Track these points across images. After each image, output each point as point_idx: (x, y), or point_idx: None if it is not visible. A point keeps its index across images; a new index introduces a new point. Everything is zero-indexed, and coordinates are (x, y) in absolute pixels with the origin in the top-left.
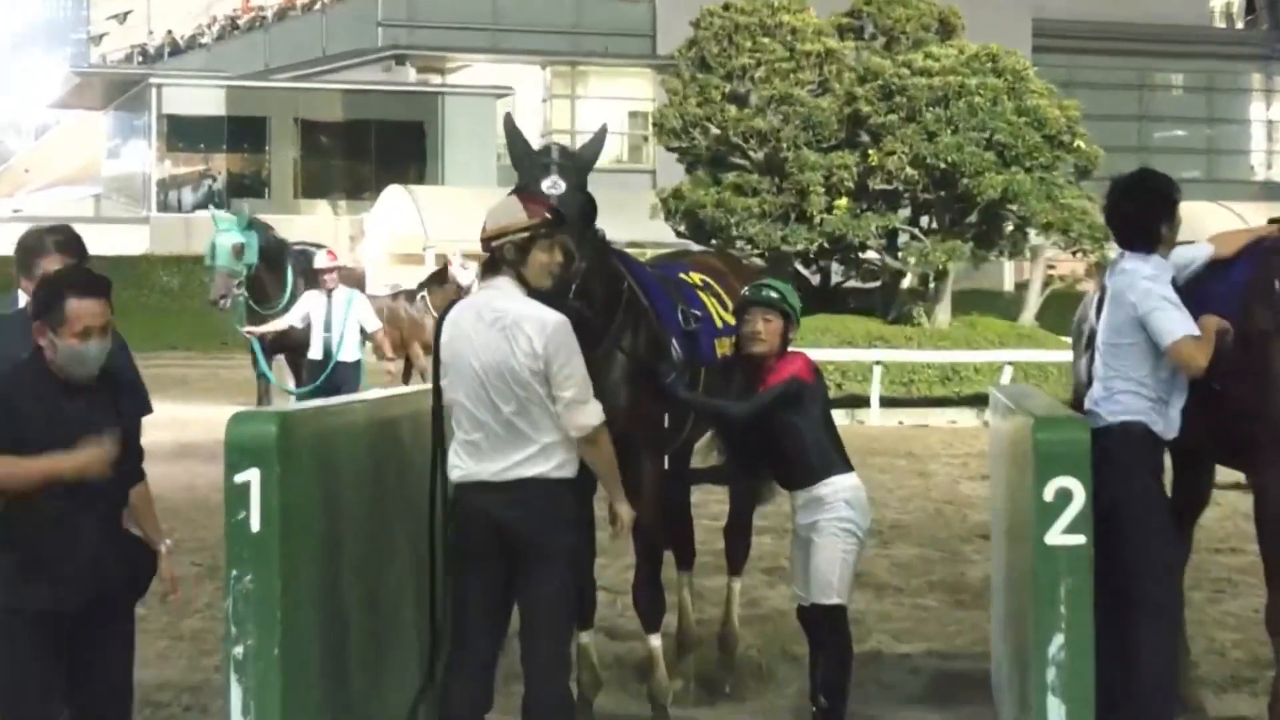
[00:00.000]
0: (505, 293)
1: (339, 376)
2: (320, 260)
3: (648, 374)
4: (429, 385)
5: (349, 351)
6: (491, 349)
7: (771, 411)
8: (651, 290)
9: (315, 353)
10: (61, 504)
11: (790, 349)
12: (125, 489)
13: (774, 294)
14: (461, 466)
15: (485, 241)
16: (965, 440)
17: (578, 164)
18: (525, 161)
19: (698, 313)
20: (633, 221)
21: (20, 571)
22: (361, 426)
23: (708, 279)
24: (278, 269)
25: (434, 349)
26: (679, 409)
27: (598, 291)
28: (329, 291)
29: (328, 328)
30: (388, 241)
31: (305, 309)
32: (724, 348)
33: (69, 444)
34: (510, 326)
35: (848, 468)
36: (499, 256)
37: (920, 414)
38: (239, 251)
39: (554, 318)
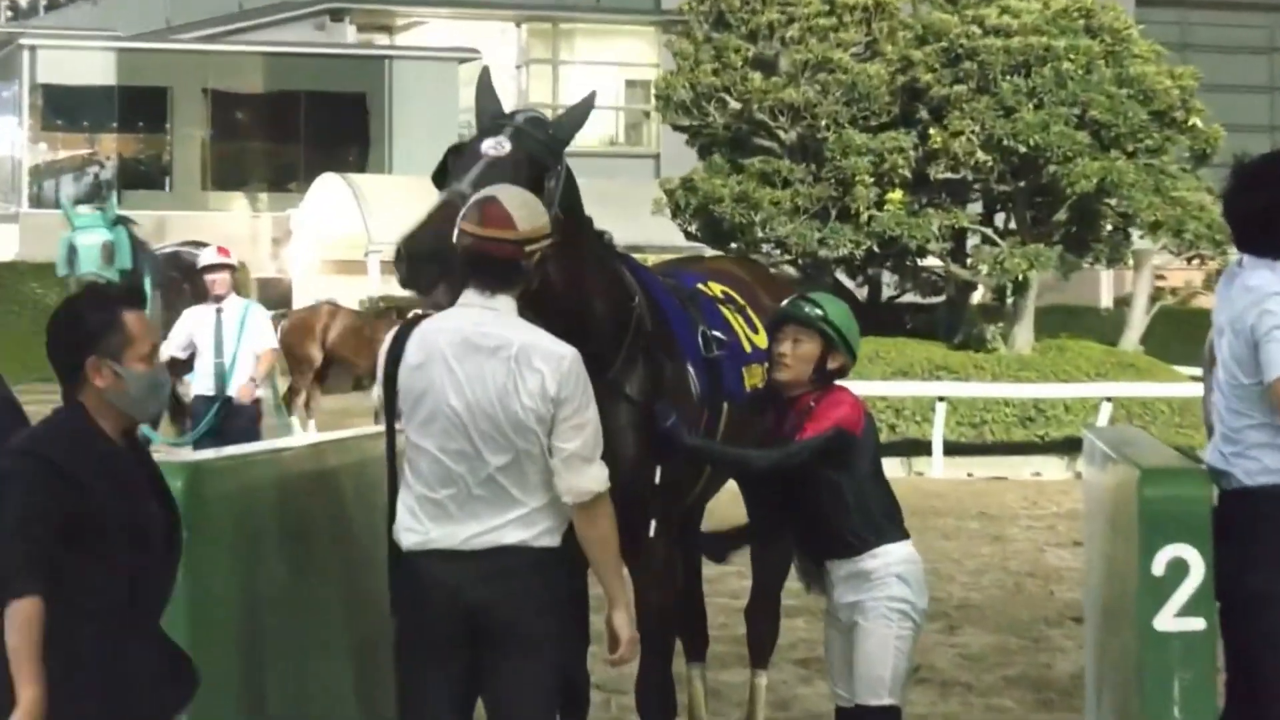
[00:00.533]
0: (505, 315)
1: (237, 417)
2: (207, 257)
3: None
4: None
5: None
6: (486, 385)
7: (804, 467)
8: (664, 305)
9: (203, 385)
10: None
11: (828, 385)
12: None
13: (810, 308)
14: (418, 530)
15: (517, 245)
16: (1052, 497)
17: (547, 132)
18: (483, 122)
19: (720, 335)
20: (630, 219)
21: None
22: (291, 480)
23: (729, 291)
24: (133, 277)
25: (384, 375)
26: (687, 459)
27: (599, 310)
28: (217, 302)
29: (219, 351)
30: (321, 245)
31: (186, 330)
32: (754, 378)
33: (139, 520)
34: (517, 359)
35: (901, 535)
36: (525, 267)
37: (995, 464)
38: (109, 254)
39: (569, 351)
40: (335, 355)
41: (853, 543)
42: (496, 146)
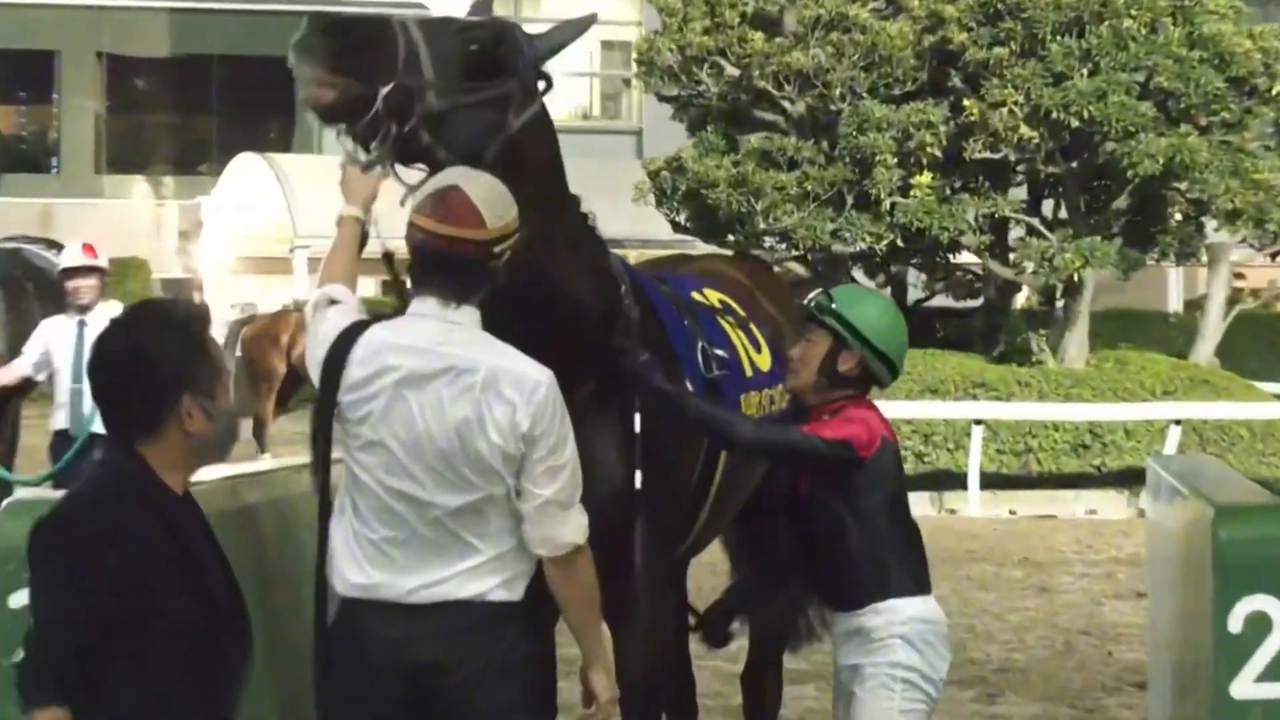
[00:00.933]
0: (469, 330)
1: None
2: (70, 258)
3: (663, 445)
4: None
5: None
6: (444, 416)
7: (794, 462)
8: (662, 315)
9: (59, 419)
10: None
11: (851, 396)
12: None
13: (819, 299)
14: (358, 574)
15: (484, 246)
16: (1110, 539)
17: (526, 48)
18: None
19: (722, 353)
20: (605, 207)
21: None
22: None
23: (728, 300)
24: None
25: (320, 386)
26: (659, 407)
27: (580, 303)
28: (82, 313)
29: (77, 376)
30: (237, 238)
31: (42, 346)
32: (750, 408)
33: (211, 596)
34: (484, 386)
35: (917, 588)
36: (492, 269)
37: (1042, 499)
38: None
39: (544, 376)
40: (302, 371)
41: (854, 593)
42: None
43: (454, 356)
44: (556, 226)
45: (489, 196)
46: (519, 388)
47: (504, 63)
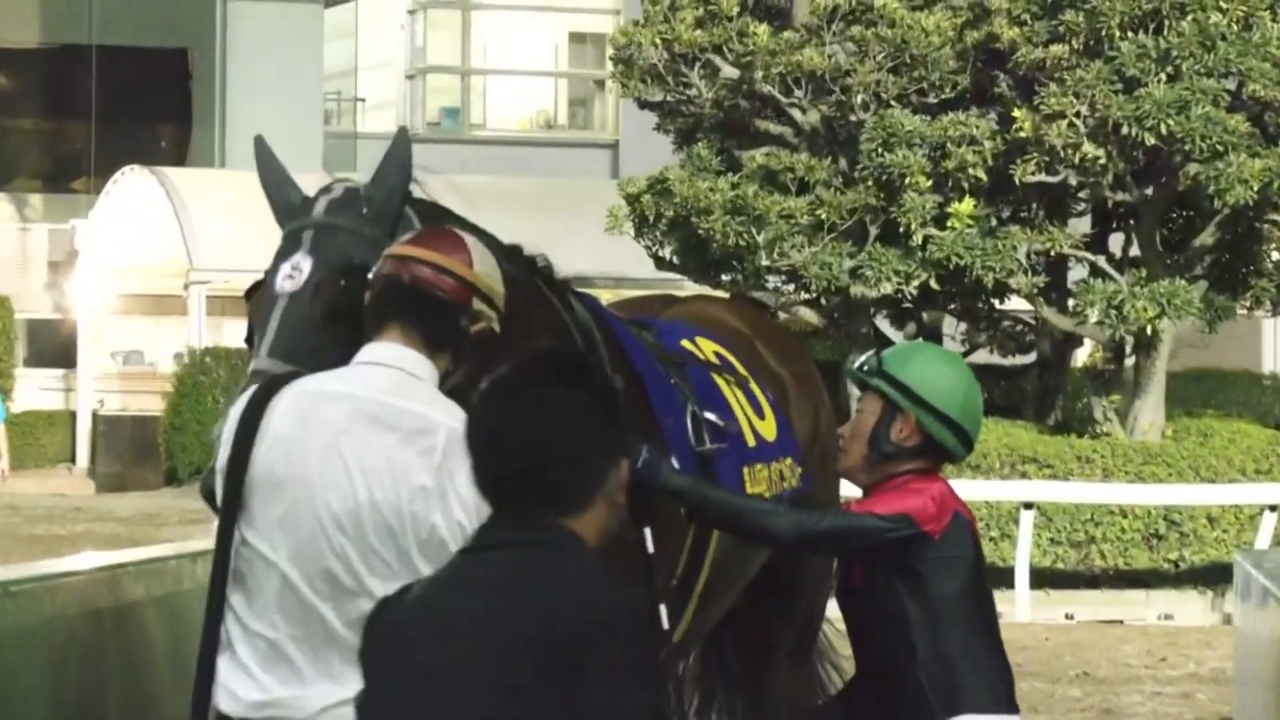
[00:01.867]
0: (430, 390)
1: None
2: None
3: (636, 537)
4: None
5: None
6: (393, 483)
7: (847, 552)
8: (639, 369)
9: None
10: None
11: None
12: None
13: (868, 359)
14: (249, 692)
15: (467, 287)
16: (1189, 650)
17: (361, 212)
18: (279, 213)
19: (715, 418)
20: (573, 237)
21: None
22: (72, 621)
23: (723, 352)
24: None
25: (231, 452)
26: (677, 503)
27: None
28: None
29: None
30: (121, 271)
31: None
32: (758, 485)
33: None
34: (446, 450)
35: (996, 705)
36: (465, 326)
37: (1106, 601)
38: None
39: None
40: None
41: (919, 708)
42: (292, 273)
43: (409, 412)
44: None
45: (480, 250)
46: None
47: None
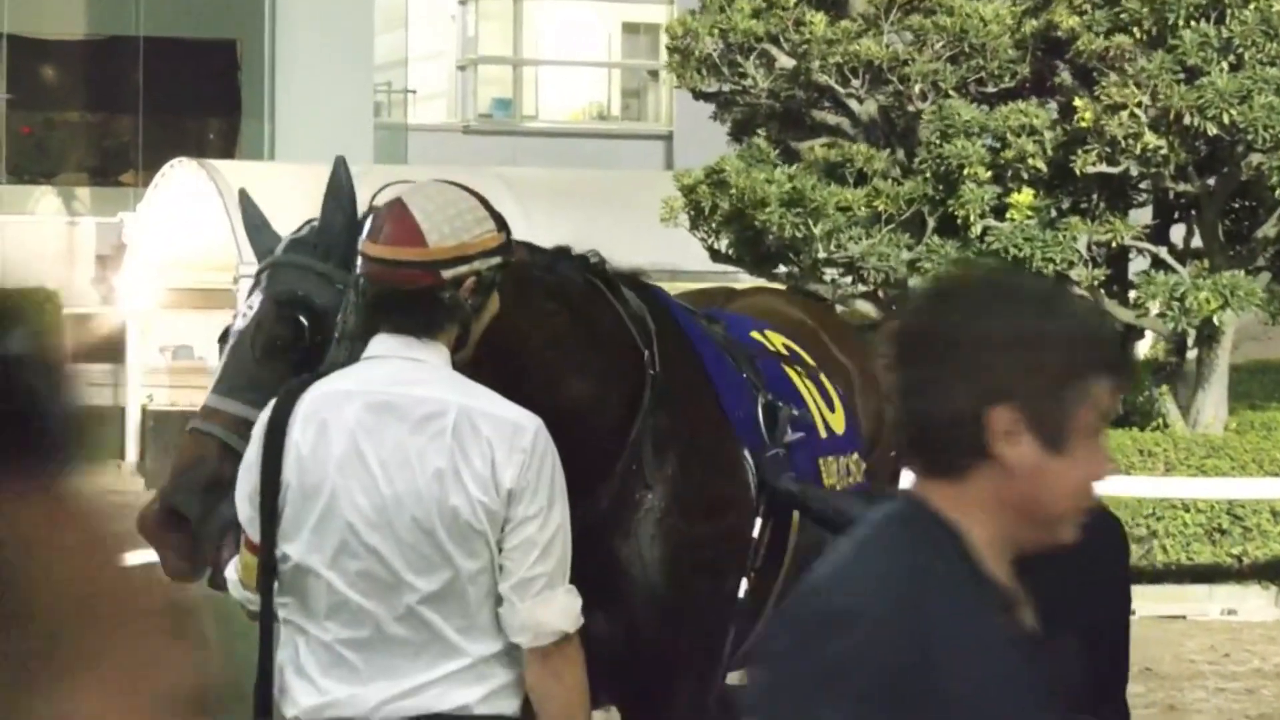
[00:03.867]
0: (435, 369)
1: None
2: None
3: (704, 534)
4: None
5: None
6: (412, 471)
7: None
8: (707, 361)
9: None
10: None
11: None
12: None
13: None
14: (309, 697)
15: (428, 269)
16: (1254, 646)
17: (314, 250)
18: (259, 259)
19: (793, 408)
20: (626, 230)
21: None
22: None
23: (791, 344)
24: None
25: (261, 467)
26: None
27: (589, 365)
28: None
29: None
30: (169, 265)
31: None
32: (831, 475)
33: None
34: (456, 430)
35: None
36: (449, 301)
37: (1168, 597)
38: None
39: (530, 422)
40: None
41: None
42: (245, 311)
43: (420, 399)
44: (522, 314)
45: (436, 209)
46: (498, 431)
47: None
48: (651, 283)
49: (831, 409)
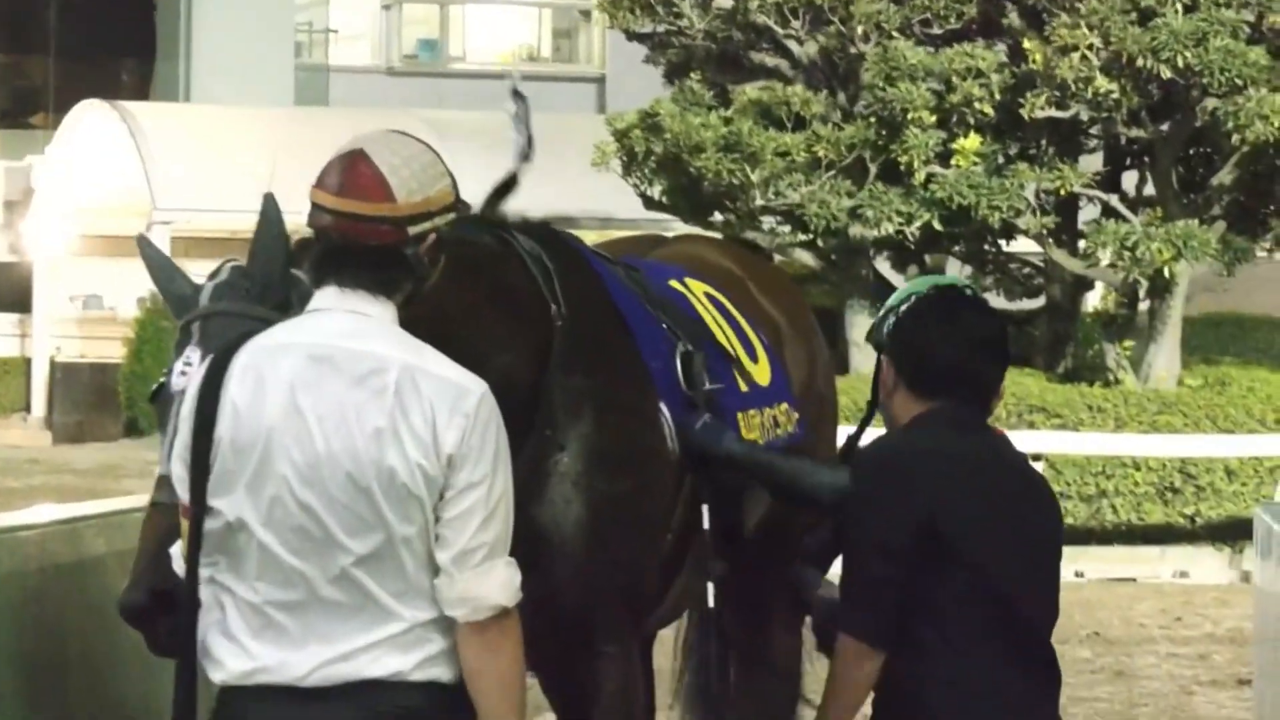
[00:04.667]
0: (381, 324)
1: None
2: None
3: (622, 491)
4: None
5: None
6: (349, 427)
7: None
8: (624, 310)
9: None
10: None
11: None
12: None
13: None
14: (239, 656)
15: (397, 226)
16: (1205, 610)
17: (246, 285)
18: (172, 307)
19: (710, 359)
20: (556, 176)
21: None
22: (29, 577)
23: (715, 293)
24: None
25: (194, 423)
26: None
27: (488, 320)
28: None
29: None
30: (80, 211)
31: None
32: (753, 428)
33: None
34: (398, 388)
35: None
36: (412, 258)
37: (1119, 559)
38: None
39: (476, 385)
40: None
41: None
42: (184, 369)
43: (361, 355)
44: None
45: (401, 163)
46: (441, 392)
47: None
48: (563, 229)
49: (755, 360)
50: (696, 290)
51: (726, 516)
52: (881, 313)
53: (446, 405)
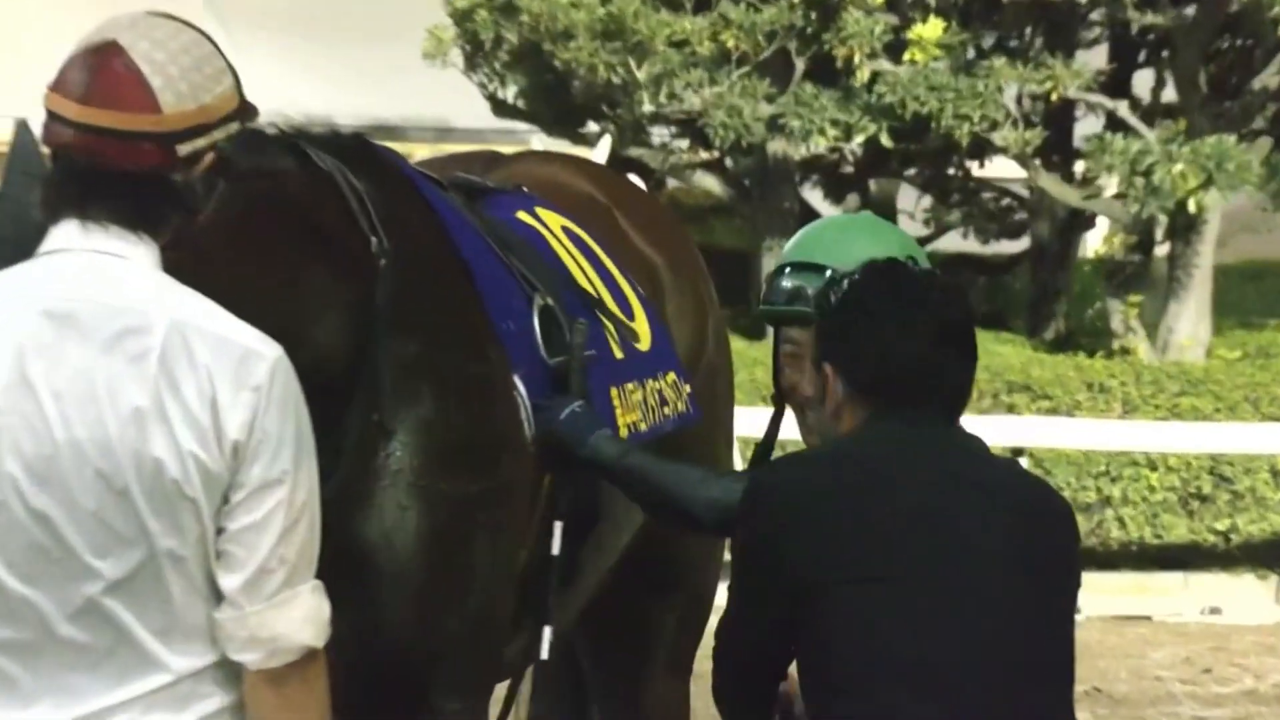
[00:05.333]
0: (140, 271)
1: None
2: None
3: (474, 493)
4: None
5: None
6: (99, 407)
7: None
8: (464, 247)
9: None
10: None
11: None
12: None
13: (798, 286)
14: None
15: (162, 143)
16: (1243, 656)
17: None
18: None
19: (577, 316)
20: (381, 72)
21: None
22: None
23: (572, 226)
24: None
25: None
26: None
27: (293, 275)
28: None
29: None
30: None
31: None
32: (631, 407)
33: None
34: (164, 355)
35: None
36: (182, 185)
37: (1127, 589)
38: None
39: (269, 350)
40: None
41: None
42: None
43: (112, 308)
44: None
45: (168, 58)
46: (223, 359)
47: None
48: (383, 145)
49: (631, 316)
50: (552, 224)
51: (585, 529)
52: (828, 279)
53: (230, 375)
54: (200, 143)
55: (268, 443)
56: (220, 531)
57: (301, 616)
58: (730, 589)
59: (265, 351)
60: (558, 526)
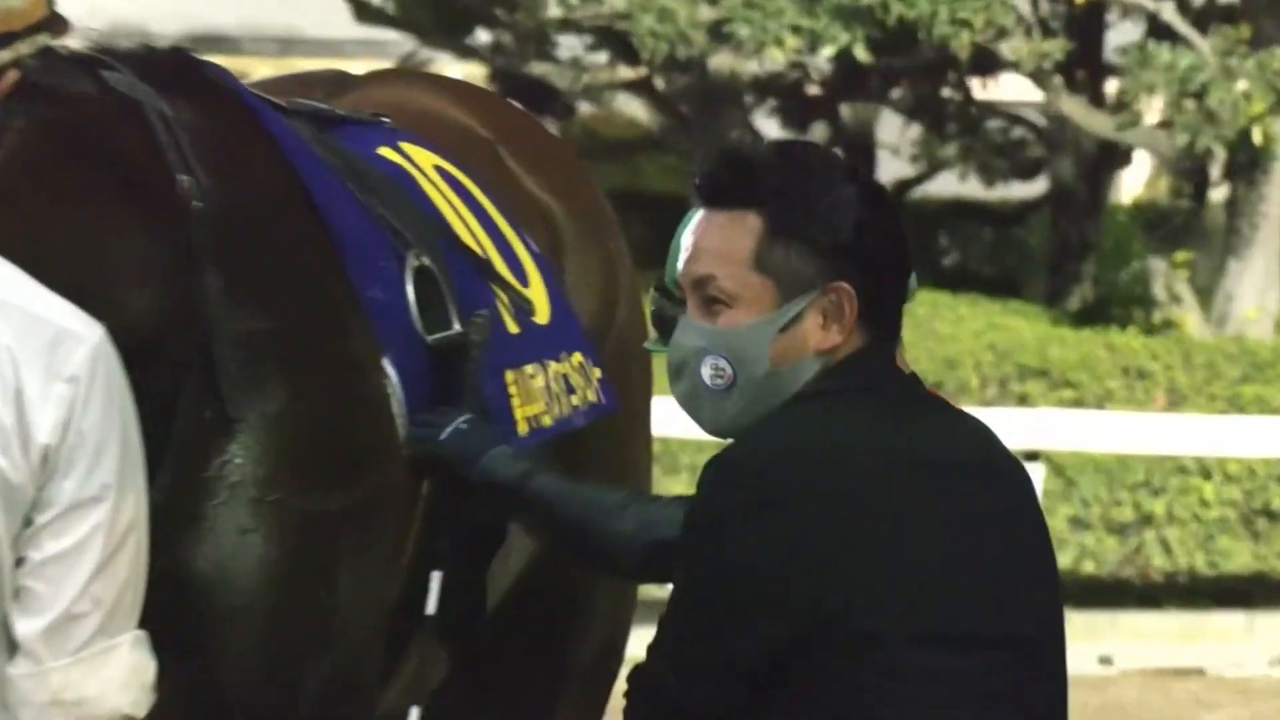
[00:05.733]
0: None
1: None
2: None
3: (336, 510)
4: None
5: None
6: None
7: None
8: (319, 198)
9: None
10: None
11: None
12: None
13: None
14: None
15: None
16: None
17: None
18: None
19: (453, 279)
20: None
21: None
22: None
23: (447, 167)
24: None
25: None
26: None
27: (99, 228)
28: None
29: None
30: None
31: None
32: (533, 399)
33: None
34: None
35: None
36: None
37: (1175, 633)
38: None
39: (89, 331)
40: None
41: None
42: None
43: None
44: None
45: None
46: (30, 343)
47: None
48: (209, 60)
49: (525, 282)
50: (423, 163)
51: (477, 557)
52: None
53: (38, 362)
54: (4, 55)
55: (85, 449)
56: (20, 562)
57: (119, 677)
58: (667, 625)
59: (84, 333)
60: (435, 579)
